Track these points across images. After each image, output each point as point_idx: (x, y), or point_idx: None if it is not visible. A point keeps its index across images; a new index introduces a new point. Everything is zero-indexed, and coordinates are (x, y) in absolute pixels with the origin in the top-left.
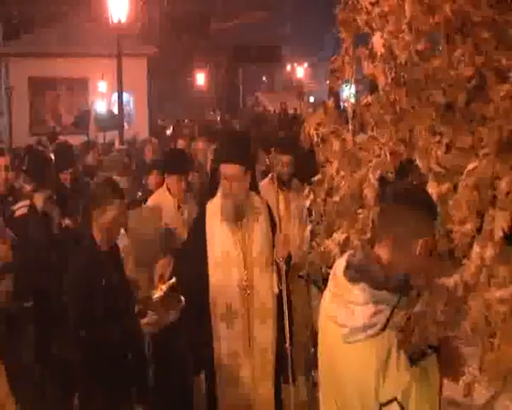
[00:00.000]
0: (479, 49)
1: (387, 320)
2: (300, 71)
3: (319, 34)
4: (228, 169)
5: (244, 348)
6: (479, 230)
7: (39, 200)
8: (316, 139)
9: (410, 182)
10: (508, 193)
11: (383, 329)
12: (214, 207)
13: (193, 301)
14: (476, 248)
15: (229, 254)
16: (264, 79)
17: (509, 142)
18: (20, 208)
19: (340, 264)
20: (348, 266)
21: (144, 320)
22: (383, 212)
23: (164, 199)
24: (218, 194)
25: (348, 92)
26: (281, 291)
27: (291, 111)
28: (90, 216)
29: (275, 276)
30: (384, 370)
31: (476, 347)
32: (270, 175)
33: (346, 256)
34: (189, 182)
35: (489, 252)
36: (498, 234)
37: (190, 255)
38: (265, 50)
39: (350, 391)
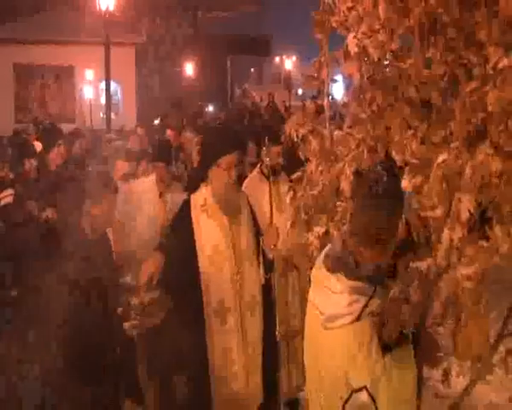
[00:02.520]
0: (449, 48)
1: (362, 310)
2: (289, 63)
3: (308, 28)
4: (228, 160)
5: (238, 343)
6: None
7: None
8: (296, 140)
9: (377, 174)
10: (471, 178)
11: (358, 318)
12: (199, 200)
13: (184, 297)
14: (446, 231)
15: (219, 249)
16: (252, 71)
17: (476, 135)
18: (6, 197)
19: (321, 256)
20: (326, 257)
21: (126, 324)
22: (353, 204)
23: (146, 186)
24: (204, 187)
25: (328, 92)
26: (267, 281)
27: (279, 102)
28: (80, 208)
29: (261, 267)
30: (356, 358)
31: (448, 330)
32: (257, 167)
33: (327, 247)
34: (174, 172)
35: (457, 233)
36: (465, 215)
37: (178, 250)
38: (254, 42)
39: (326, 376)
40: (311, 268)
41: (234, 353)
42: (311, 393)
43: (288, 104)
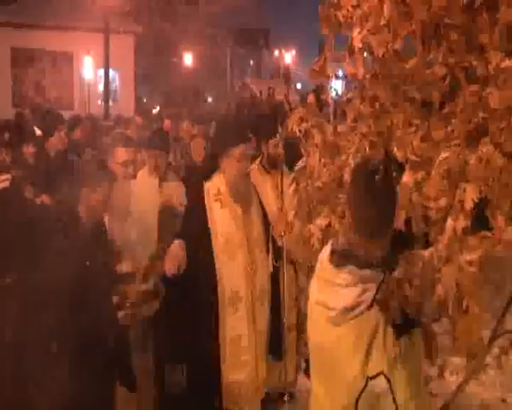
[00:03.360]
0: (451, 51)
1: (374, 297)
2: (288, 57)
3: (308, 22)
4: (241, 150)
5: (249, 331)
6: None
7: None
8: (298, 134)
9: (373, 169)
10: (476, 169)
11: (370, 306)
12: (213, 189)
13: (201, 286)
14: (449, 221)
15: (233, 238)
16: (251, 63)
17: (476, 133)
18: (2, 182)
19: (325, 251)
20: (333, 253)
21: (121, 313)
22: (355, 201)
23: (144, 176)
24: (217, 176)
25: (330, 88)
26: (276, 270)
27: (279, 97)
28: (76, 194)
29: (270, 255)
30: (371, 346)
31: (448, 322)
32: (257, 161)
33: (329, 244)
34: (170, 162)
35: (461, 223)
36: (469, 205)
37: (193, 240)
38: (254, 34)
39: (338, 372)
40: (312, 261)
41: (244, 341)
42: (319, 398)
43: (287, 98)
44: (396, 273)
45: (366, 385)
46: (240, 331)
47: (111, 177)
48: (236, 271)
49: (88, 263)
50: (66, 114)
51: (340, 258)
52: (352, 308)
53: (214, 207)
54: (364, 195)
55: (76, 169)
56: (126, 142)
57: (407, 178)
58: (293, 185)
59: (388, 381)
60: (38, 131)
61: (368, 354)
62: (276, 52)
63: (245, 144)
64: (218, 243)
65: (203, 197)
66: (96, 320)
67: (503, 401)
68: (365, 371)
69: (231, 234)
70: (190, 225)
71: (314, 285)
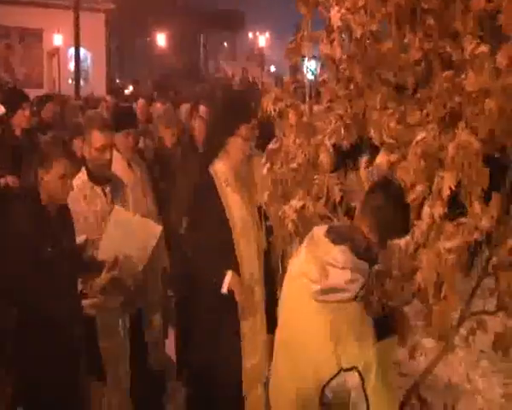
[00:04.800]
0: (427, 36)
1: (359, 290)
2: (262, 40)
3: (284, 4)
4: (248, 129)
5: (260, 314)
6: (428, 193)
7: None
8: (273, 114)
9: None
10: (453, 157)
11: (355, 298)
12: (222, 175)
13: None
14: (426, 208)
15: (247, 221)
16: (225, 45)
17: (451, 118)
18: None
19: (320, 229)
20: (330, 230)
21: (86, 302)
22: (370, 198)
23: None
24: (221, 162)
25: (306, 68)
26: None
27: (252, 79)
28: (36, 175)
29: (263, 232)
30: (347, 338)
31: (422, 305)
32: None
33: (326, 225)
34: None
35: (438, 210)
36: (446, 193)
37: (212, 229)
38: (228, 16)
39: (308, 352)
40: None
41: (258, 324)
42: (283, 380)
43: (261, 81)
44: (375, 267)
45: (338, 374)
46: (255, 315)
47: (71, 157)
48: (252, 253)
49: (50, 249)
50: (36, 93)
51: (338, 236)
52: (338, 291)
53: (226, 192)
54: (393, 206)
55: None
56: (103, 124)
57: (381, 158)
58: (267, 166)
59: (362, 379)
60: (2, 109)
61: (343, 344)
62: (251, 35)
63: (251, 123)
64: (236, 228)
65: (213, 183)
66: (58, 307)
67: (469, 380)
68: (338, 359)
69: (245, 217)
70: (205, 215)
71: (300, 257)
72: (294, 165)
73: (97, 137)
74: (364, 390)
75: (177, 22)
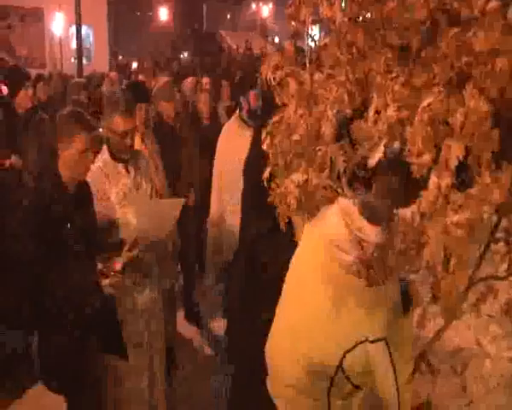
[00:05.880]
0: None
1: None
2: (266, 10)
3: None
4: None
5: None
6: (435, 162)
7: None
8: (273, 82)
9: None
10: (462, 126)
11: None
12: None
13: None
14: (433, 178)
15: None
16: (228, 17)
17: (459, 79)
18: None
19: (349, 202)
20: (364, 206)
21: (106, 281)
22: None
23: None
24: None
25: (307, 33)
26: None
27: (256, 51)
28: (53, 152)
29: None
30: (376, 305)
31: (431, 277)
32: (235, 114)
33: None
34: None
35: (445, 180)
36: (454, 163)
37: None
38: None
39: (316, 317)
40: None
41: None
42: (284, 351)
43: (265, 51)
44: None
45: (360, 343)
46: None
47: (90, 130)
48: None
49: (68, 226)
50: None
51: (372, 215)
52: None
53: None
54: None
55: (46, 126)
56: (126, 108)
57: (391, 112)
58: (268, 139)
59: (389, 348)
60: (5, 90)
61: (369, 312)
62: (253, 5)
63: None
64: None
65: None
66: (75, 284)
67: (478, 344)
68: (363, 329)
69: None
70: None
71: (326, 222)
72: (297, 136)
73: (119, 123)
74: (391, 355)
75: None
